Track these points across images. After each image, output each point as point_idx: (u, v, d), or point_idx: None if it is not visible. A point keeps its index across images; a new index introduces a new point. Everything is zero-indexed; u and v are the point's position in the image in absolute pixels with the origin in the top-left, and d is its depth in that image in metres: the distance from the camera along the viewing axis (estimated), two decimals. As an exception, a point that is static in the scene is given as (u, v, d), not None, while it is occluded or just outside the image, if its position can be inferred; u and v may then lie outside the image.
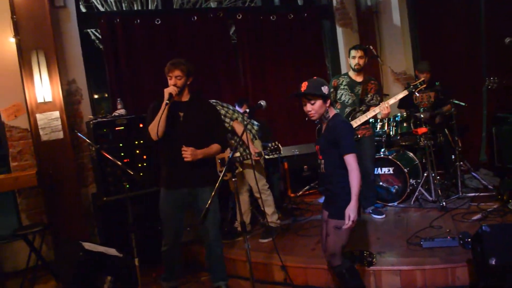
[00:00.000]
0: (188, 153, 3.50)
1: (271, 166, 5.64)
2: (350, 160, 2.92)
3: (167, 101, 3.44)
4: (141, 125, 4.79)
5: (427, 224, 4.54)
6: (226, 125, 4.51)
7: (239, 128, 4.55)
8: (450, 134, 5.62)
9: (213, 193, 2.97)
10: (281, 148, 4.42)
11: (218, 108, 4.27)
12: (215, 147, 3.70)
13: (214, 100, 4.60)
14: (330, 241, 3.13)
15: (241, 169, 4.77)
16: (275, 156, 4.43)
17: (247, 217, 4.98)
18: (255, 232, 5.00)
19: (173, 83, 3.53)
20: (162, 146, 3.64)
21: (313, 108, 3.04)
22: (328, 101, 3.07)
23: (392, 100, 4.76)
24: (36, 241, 4.56)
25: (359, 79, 5.07)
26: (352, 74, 5.11)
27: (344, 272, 3.15)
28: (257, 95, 6.37)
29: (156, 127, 3.47)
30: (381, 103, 4.73)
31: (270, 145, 4.44)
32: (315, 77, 3.13)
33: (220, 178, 2.98)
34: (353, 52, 5.01)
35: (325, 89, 3.03)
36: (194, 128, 3.63)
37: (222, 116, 4.45)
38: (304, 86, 3.04)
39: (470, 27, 6.27)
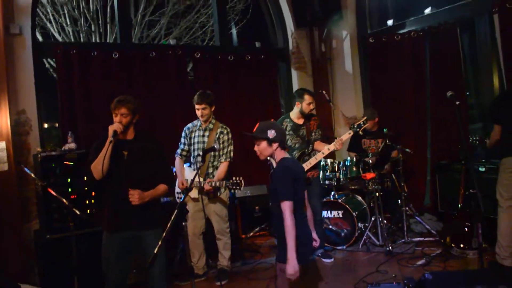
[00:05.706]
0: (135, 196, 3.35)
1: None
2: (283, 207, 2.92)
3: (112, 138, 3.32)
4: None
5: (374, 269, 4.65)
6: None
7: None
8: (397, 180, 5.84)
9: (163, 235, 2.91)
10: (243, 184, 4.32)
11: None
12: (162, 187, 3.55)
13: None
14: (278, 283, 3.15)
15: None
16: (235, 189, 4.36)
17: (202, 260, 4.74)
18: (207, 275, 4.87)
19: (118, 120, 3.42)
20: (106, 186, 3.51)
21: (258, 149, 3.16)
22: (274, 144, 3.12)
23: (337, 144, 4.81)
24: (-30, 280, 4.28)
25: (300, 121, 5.13)
26: (294, 117, 5.15)
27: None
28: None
29: (99, 166, 3.32)
30: (335, 140, 4.82)
31: (234, 178, 4.37)
32: (271, 119, 3.22)
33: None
34: (308, 98, 5.03)
35: (270, 133, 3.10)
36: (139, 168, 3.48)
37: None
38: (255, 127, 3.18)
39: (416, 78, 6.58)
